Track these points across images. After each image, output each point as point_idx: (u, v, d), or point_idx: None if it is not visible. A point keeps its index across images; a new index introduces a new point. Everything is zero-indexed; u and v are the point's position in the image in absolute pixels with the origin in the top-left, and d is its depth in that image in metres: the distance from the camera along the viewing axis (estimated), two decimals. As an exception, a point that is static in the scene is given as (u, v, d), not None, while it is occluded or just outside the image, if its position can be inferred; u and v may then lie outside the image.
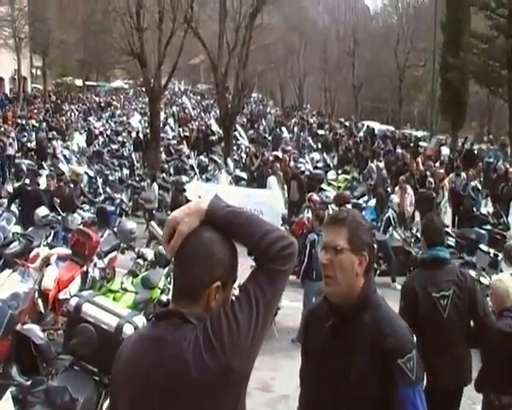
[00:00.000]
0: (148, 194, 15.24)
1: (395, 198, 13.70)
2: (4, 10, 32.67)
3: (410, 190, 13.98)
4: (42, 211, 9.90)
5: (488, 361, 4.32)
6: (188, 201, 12.31)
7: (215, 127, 29.23)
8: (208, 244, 1.76)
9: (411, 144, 25.78)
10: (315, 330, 2.52)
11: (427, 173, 15.54)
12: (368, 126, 35.45)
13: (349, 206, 13.57)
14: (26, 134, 24.32)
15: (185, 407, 1.71)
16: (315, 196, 12.04)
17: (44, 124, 28.73)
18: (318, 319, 2.50)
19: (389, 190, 14.94)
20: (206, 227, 1.78)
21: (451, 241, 11.32)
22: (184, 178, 12.62)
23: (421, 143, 26.69)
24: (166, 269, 8.55)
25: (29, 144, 21.38)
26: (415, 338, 2.38)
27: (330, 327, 2.40)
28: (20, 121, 28.13)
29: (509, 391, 4.17)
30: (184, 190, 12.24)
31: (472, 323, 4.18)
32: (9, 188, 13.54)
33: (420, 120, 43.38)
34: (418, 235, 12.68)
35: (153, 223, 12.18)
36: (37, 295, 6.76)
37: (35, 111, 33.37)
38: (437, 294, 4.05)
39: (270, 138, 29.13)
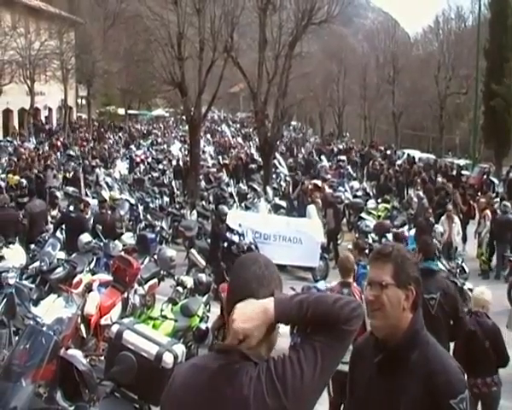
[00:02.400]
0: (187, 222, 15.36)
1: (439, 228, 13.44)
2: (54, 44, 33.98)
3: (457, 220, 13.76)
4: (85, 237, 10.11)
5: (456, 350, 5.47)
6: (228, 228, 12.36)
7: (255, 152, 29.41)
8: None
9: (453, 173, 25.31)
10: (361, 365, 2.46)
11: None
12: (408, 155, 35.02)
13: (389, 235, 13.37)
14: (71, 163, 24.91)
15: None
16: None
17: (87, 151, 29.45)
18: (365, 354, 2.44)
19: (430, 219, 14.65)
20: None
21: None
22: (226, 209, 12.69)
23: (463, 172, 26.16)
24: (206, 297, 8.57)
25: (67, 174, 21.72)
26: (466, 377, 2.29)
27: (378, 363, 2.34)
28: (67, 151, 28.93)
29: (471, 375, 5.28)
30: (225, 220, 12.29)
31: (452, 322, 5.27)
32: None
33: (462, 148, 42.64)
34: (464, 265, 12.33)
35: (193, 250, 12.26)
36: (79, 320, 6.87)
37: (82, 139, 34.35)
38: (427, 296, 5.08)
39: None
